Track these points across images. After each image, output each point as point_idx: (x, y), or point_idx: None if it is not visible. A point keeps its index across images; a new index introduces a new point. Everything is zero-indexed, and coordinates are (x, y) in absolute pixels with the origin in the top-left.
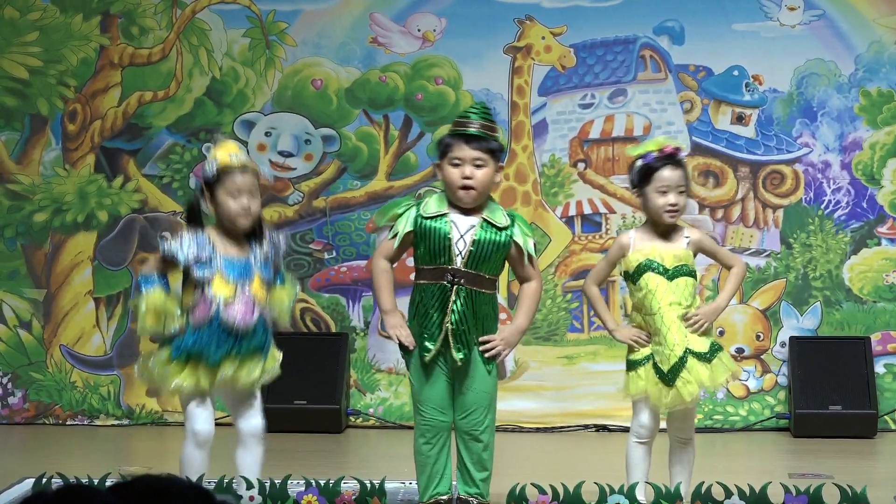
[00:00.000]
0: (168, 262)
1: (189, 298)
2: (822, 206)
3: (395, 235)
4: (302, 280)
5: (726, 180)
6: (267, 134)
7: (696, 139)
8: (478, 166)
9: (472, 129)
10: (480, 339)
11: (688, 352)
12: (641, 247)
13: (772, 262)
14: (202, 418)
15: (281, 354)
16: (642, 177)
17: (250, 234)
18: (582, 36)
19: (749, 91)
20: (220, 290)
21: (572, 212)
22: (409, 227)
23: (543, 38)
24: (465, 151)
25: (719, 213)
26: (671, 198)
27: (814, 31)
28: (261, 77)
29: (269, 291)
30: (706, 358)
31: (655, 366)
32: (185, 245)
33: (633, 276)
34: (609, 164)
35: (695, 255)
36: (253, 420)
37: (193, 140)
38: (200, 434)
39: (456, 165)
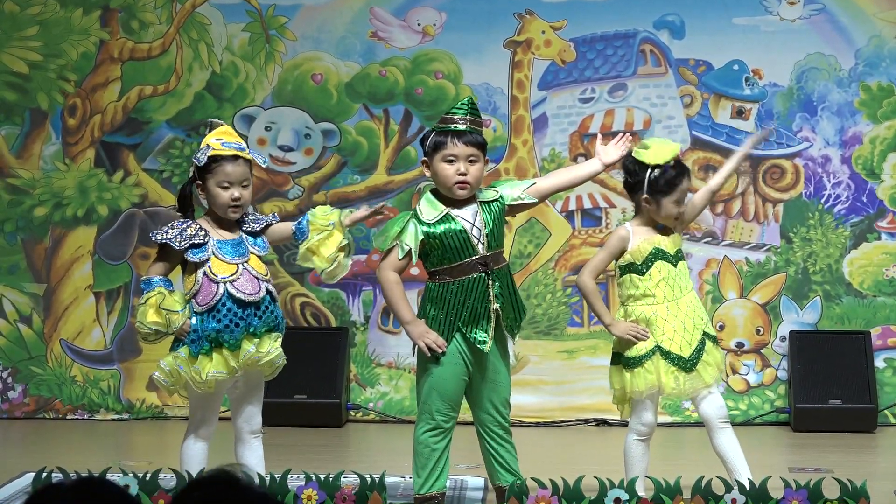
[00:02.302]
0: (166, 255)
1: (190, 285)
2: (822, 201)
3: (408, 252)
4: (302, 274)
5: None
6: (267, 128)
7: (696, 133)
8: (472, 162)
9: (464, 126)
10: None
11: (705, 335)
12: (646, 236)
13: (772, 256)
14: (212, 412)
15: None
16: (662, 186)
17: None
18: (582, 30)
19: (749, 85)
20: (221, 269)
21: (572, 206)
22: (420, 237)
23: (543, 32)
24: (459, 148)
25: (719, 208)
26: (681, 207)
27: (814, 25)
28: (261, 71)
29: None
30: (716, 341)
31: (669, 355)
32: (176, 230)
33: (640, 268)
34: None
35: None
36: (255, 419)
37: (193, 134)
38: (208, 428)
39: (451, 162)
